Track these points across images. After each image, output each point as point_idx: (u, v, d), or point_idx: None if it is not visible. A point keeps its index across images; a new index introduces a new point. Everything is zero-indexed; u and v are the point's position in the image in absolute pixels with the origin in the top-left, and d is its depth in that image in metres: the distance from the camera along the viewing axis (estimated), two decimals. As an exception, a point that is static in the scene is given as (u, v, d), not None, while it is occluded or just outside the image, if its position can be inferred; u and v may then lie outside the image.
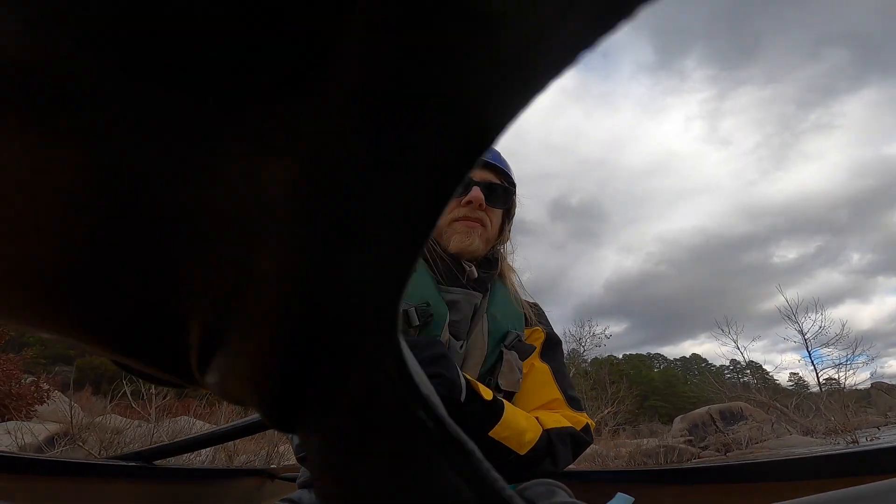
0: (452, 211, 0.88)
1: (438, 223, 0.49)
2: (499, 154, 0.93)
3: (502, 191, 0.90)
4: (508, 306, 0.89)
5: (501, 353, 0.82)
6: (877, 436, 10.51)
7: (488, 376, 0.81)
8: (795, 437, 11.26)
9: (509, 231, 0.99)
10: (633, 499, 1.04)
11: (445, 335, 0.78)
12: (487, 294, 0.88)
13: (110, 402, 5.11)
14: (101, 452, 3.55)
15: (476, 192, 0.86)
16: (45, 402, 7.13)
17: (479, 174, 0.89)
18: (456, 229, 0.88)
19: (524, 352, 0.85)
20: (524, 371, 0.85)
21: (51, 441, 3.99)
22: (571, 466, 0.85)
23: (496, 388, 0.79)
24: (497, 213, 0.92)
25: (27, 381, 7.52)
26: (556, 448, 0.70)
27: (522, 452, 0.66)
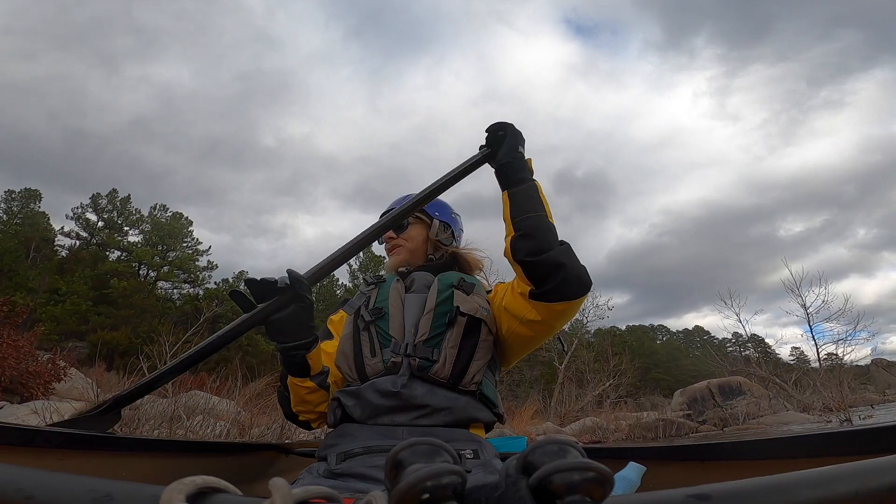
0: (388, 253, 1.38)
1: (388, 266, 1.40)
2: (405, 198, 1.30)
3: (404, 221, 1.34)
4: (454, 276, 1.21)
5: (452, 292, 1.16)
6: (870, 414, 10.61)
7: (448, 304, 1.12)
8: (792, 413, 11.46)
9: (452, 233, 1.39)
10: (644, 468, 1.09)
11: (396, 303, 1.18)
12: (437, 275, 1.23)
13: (127, 378, 5.23)
14: (122, 429, 3.70)
15: (388, 234, 1.34)
16: (61, 379, 7.27)
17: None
18: (390, 262, 1.35)
19: (466, 289, 1.16)
20: (494, 293, 1.20)
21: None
22: (583, 444, 0.97)
23: (458, 312, 1.10)
24: (410, 234, 1.36)
25: (43, 359, 7.60)
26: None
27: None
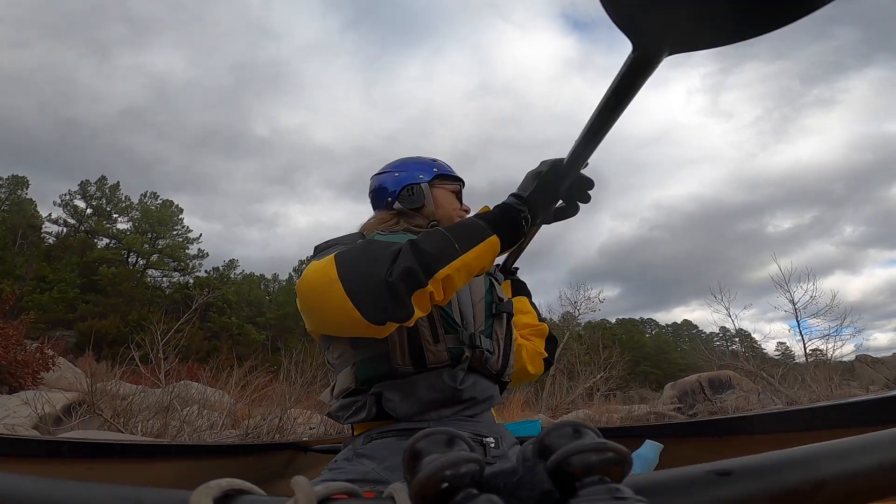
0: (458, 210, 1.19)
1: (447, 212, 1.20)
2: None
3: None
4: None
5: (491, 280, 1.13)
6: None
7: (490, 294, 1.09)
8: (780, 408, 11.67)
9: None
10: (661, 446, 1.09)
11: None
12: None
13: (119, 368, 5.18)
14: (115, 419, 3.67)
15: (467, 206, 1.23)
16: (49, 368, 7.19)
17: (457, 187, 1.22)
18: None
19: (498, 279, 1.20)
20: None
21: (68, 410, 4.07)
22: (601, 425, 0.98)
23: (500, 302, 1.08)
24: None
25: (32, 348, 7.50)
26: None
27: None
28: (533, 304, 1.40)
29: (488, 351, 0.99)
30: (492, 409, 1.05)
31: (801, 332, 14.50)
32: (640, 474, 0.29)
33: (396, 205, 1.15)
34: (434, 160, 1.23)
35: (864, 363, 26.24)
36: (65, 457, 1.09)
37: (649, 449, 1.08)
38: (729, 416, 1.07)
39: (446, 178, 1.21)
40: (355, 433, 0.98)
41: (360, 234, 1.10)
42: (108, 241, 31.71)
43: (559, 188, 0.87)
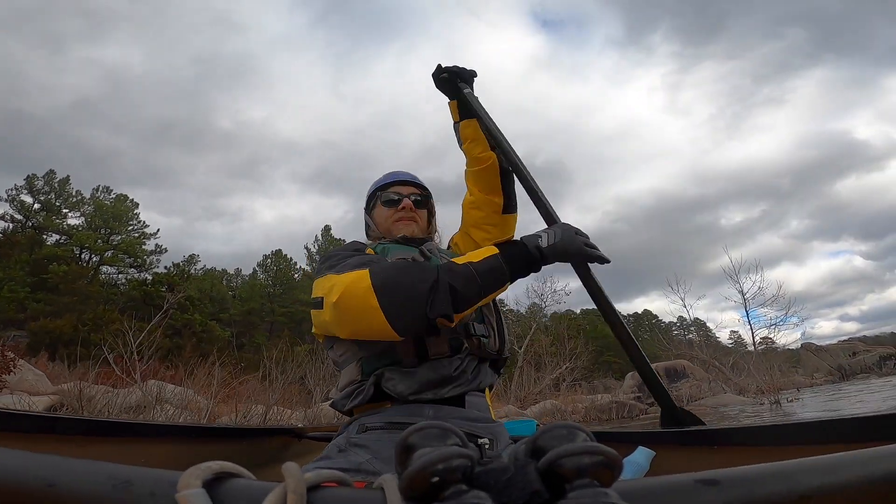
0: (391, 217, 1.30)
1: (385, 228, 1.34)
2: (416, 176, 1.41)
3: (423, 198, 1.36)
4: (449, 253, 1.27)
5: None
6: (797, 397, 11.58)
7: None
8: (729, 395, 12.41)
9: (435, 224, 1.43)
10: (653, 453, 1.11)
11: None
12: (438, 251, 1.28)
13: (93, 370, 5.04)
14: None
15: (407, 201, 1.30)
16: (11, 371, 6.91)
17: (405, 189, 1.33)
18: (398, 227, 1.29)
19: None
20: (455, 242, 1.40)
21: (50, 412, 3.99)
22: (593, 427, 1.06)
23: None
24: (423, 214, 1.35)
25: None
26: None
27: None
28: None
29: (483, 336, 1.07)
30: (486, 390, 1.10)
31: (749, 321, 15.33)
32: (630, 480, 0.29)
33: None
34: (375, 183, 1.40)
35: (809, 351, 27.69)
36: (57, 433, 1.09)
37: (641, 455, 1.10)
38: (722, 428, 1.08)
39: (382, 190, 1.35)
40: (354, 418, 1.03)
41: (360, 242, 1.26)
42: (58, 237, 30.13)
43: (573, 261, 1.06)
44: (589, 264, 1.08)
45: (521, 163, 1.28)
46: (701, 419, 1.13)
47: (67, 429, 1.13)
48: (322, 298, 0.98)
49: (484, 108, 1.37)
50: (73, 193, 31.49)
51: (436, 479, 0.25)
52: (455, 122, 1.42)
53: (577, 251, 1.00)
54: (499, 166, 1.34)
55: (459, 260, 0.96)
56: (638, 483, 0.28)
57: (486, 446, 0.95)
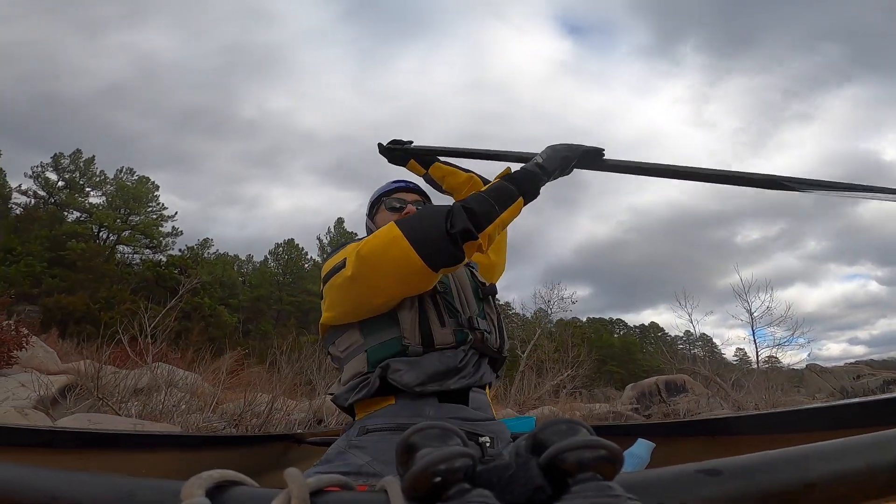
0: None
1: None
2: (418, 185, 1.43)
3: (425, 205, 1.36)
4: None
5: (470, 269, 1.27)
6: None
7: (474, 280, 1.22)
8: (726, 411, 12.36)
9: None
10: (653, 444, 1.09)
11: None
12: None
13: (107, 350, 5.24)
14: (112, 402, 3.80)
15: (411, 207, 1.30)
16: (23, 347, 6.95)
17: (409, 196, 1.35)
18: None
19: (473, 266, 1.33)
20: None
21: (63, 392, 4.18)
22: (593, 422, 1.12)
23: (483, 287, 1.22)
24: None
25: (6, 325, 7.19)
26: None
27: None
28: None
29: (486, 331, 1.10)
30: (486, 388, 1.13)
31: (755, 340, 15.23)
32: (632, 472, 0.29)
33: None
34: (378, 190, 1.43)
35: (813, 372, 27.22)
36: (56, 446, 1.09)
37: (641, 447, 1.10)
38: (721, 417, 1.07)
39: (386, 196, 1.37)
40: (357, 416, 1.04)
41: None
42: (78, 214, 30.81)
43: (573, 168, 1.18)
44: (603, 160, 1.24)
45: (486, 149, 1.39)
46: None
47: (67, 441, 1.13)
48: (344, 260, 1.00)
49: (433, 145, 1.48)
50: (97, 173, 32.12)
51: (438, 479, 0.26)
52: (423, 176, 1.52)
53: (568, 150, 1.14)
54: (481, 180, 1.44)
55: None
56: (640, 475, 0.29)
57: (488, 444, 0.97)
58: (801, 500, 0.27)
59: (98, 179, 32.08)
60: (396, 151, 1.52)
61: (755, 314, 15.12)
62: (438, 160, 1.48)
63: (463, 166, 1.47)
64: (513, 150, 1.33)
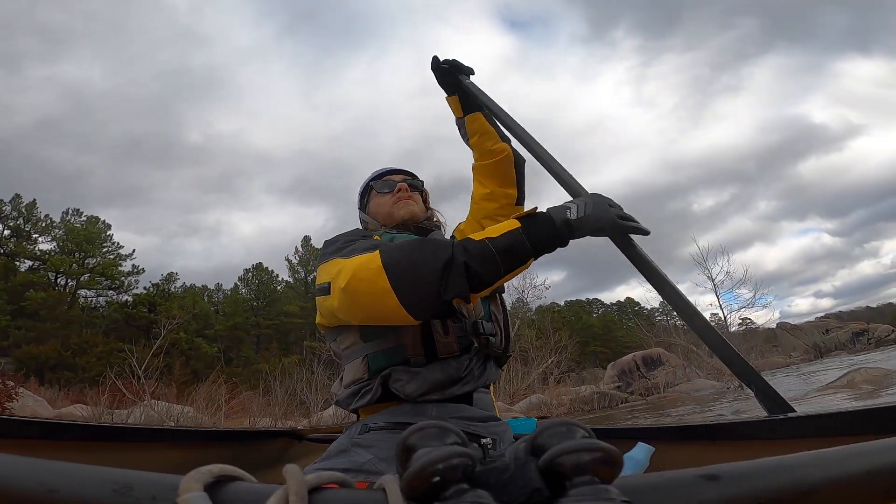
0: (390, 200, 1.27)
1: (385, 213, 1.28)
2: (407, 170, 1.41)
3: (415, 183, 1.33)
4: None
5: None
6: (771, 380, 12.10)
7: None
8: (702, 380, 12.99)
9: (430, 207, 1.38)
10: (653, 448, 1.07)
11: None
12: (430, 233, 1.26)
13: (104, 396, 5.18)
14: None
15: (402, 184, 1.27)
16: (13, 398, 6.77)
17: (397, 177, 1.32)
18: (399, 207, 1.25)
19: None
20: (463, 231, 1.34)
21: None
22: (592, 424, 0.94)
23: None
24: (417, 197, 1.30)
25: None
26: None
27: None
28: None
29: (491, 335, 1.02)
30: (490, 386, 1.09)
31: (720, 305, 15.81)
32: (630, 476, 0.29)
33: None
34: (366, 180, 1.37)
35: (785, 330, 28.02)
36: (57, 439, 1.08)
37: (640, 451, 1.08)
38: (722, 422, 1.07)
39: (376, 181, 1.32)
40: (360, 418, 1.01)
41: (363, 230, 1.27)
42: (31, 263, 29.46)
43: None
44: (631, 236, 0.97)
45: (538, 143, 1.21)
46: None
47: (67, 434, 1.12)
48: (329, 284, 0.93)
49: (490, 98, 1.30)
50: (42, 217, 30.75)
51: (437, 478, 0.26)
52: (458, 118, 1.35)
53: (610, 224, 0.89)
54: (513, 157, 1.31)
55: (477, 235, 0.86)
56: (639, 479, 0.28)
57: (489, 446, 1.00)
58: None
59: (44, 224, 30.68)
60: (450, 76, 1.35)
61: (716, 280, 15.73)
62: (483, 112, 1.31)
63: (505, 132, 1.31)
64: (559, 163, 1.17)
